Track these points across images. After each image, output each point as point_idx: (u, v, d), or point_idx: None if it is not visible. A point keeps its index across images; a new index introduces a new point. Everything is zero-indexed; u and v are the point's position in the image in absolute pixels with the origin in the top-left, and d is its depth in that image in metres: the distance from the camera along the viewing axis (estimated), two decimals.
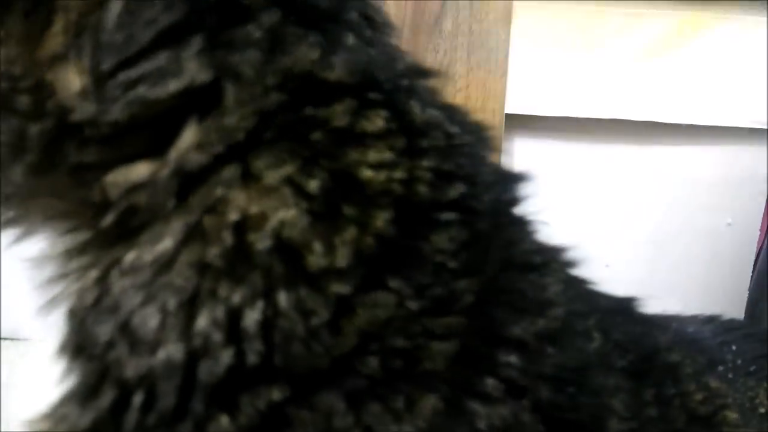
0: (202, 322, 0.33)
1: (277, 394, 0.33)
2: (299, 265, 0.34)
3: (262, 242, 0.33)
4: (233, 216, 0.34)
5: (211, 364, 0.33)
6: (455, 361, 0.35)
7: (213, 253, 0.33)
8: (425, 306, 0.35)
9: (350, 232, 0.34)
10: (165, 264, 0.34)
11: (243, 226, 0.34)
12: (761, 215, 1.12)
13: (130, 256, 0.34)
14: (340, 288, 0.34)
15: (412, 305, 0.35)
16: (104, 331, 0.34)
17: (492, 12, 0.99)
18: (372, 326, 0.34)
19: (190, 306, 0.33)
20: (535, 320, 0.38)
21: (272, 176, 0.34)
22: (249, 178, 0.34)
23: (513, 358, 0.36)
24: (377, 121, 0.36)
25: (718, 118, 1.05)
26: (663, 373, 0.44)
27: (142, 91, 0.33)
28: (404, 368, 0.34)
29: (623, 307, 0.47)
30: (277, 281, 0.33)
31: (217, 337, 0.33)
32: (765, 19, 0.98)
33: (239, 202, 0.34)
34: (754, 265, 1.14)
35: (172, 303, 0.33)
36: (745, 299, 1.13)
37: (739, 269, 1.12)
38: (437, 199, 0.37)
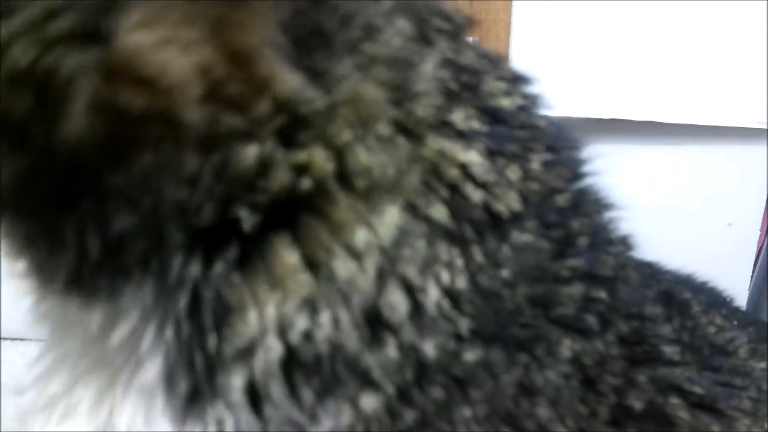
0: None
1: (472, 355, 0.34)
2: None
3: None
4: None
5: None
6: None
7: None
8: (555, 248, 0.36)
9: None
10: None
11: None
12: (761, 215, 1.12)
13: None
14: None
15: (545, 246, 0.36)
16: None
17: (492, 12, 0.99)
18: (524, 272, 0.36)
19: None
20: (616, 257, 0.40)
21: None
22: None
23: (603, 294, 0.38)
24: None
25: (718, 118, 1.05)
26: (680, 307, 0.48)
27: None
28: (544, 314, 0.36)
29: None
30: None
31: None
32: (765, 18, 0.98)
33: None
34: (754, 265, 1.14)
35: None
36: (745, 299, 1.13)
37: (739, 269, 1.12)
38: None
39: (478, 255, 0.34)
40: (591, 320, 0.37)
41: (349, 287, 0.32)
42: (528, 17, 1.00)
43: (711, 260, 1.15)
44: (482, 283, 0.34)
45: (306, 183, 0.32)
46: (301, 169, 0.32)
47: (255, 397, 0.33)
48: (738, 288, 1.11)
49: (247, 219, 0.31)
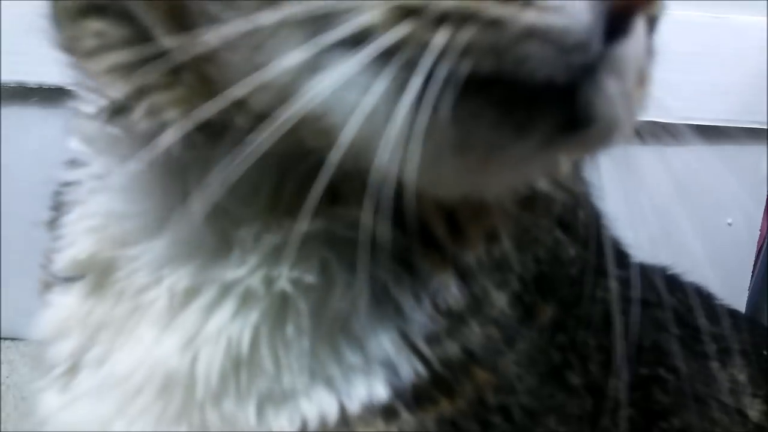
0: None
1: None
2: None
3: None
4: None
5: None
6: None
7: None
8: None
9: None
10: None
11: None
12: (761, 215, 1.12)
13: None
14: None
15: None
16: None
17: None
18: None
19: None
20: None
21: None
22: None
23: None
24: None
25: (718, 118, 1.05)
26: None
27: None
28: None
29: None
30: None
31: None
32: (765, 18, 0.98)
33: None
34: (754, 265, 1.14)
35: None
36: (745, 299, 1.13)
37: (739, 269, 1.12)
38: None
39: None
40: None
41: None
42: None
43: (711, 260, 1.15)
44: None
45: None
46: None
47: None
48: (738, 288, 1.11)
49: None
